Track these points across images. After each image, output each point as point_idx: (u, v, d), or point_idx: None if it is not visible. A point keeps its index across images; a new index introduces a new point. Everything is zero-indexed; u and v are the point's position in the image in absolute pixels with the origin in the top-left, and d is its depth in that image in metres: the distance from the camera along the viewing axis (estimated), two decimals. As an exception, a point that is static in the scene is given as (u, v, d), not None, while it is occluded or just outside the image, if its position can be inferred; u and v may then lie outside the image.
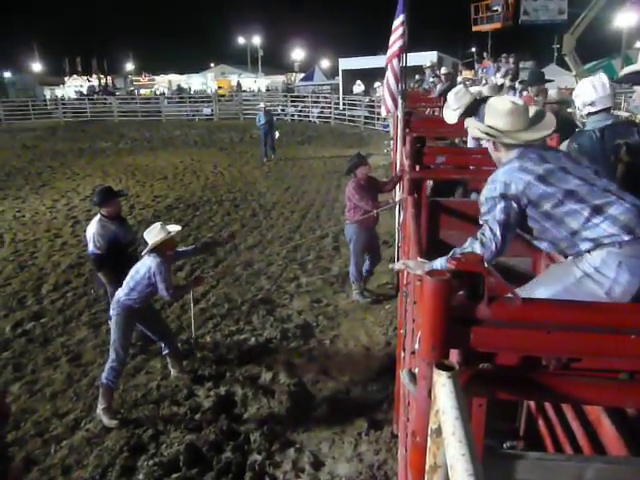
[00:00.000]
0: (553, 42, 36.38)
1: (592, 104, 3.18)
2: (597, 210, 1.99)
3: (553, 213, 2.05)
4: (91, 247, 4.83)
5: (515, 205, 2.08)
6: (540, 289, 2.11)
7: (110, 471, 3.65)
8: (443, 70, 12.28)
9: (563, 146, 3.34)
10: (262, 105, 16.53)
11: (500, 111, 2.28)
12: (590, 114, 3.22)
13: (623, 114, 3.58)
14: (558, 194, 2.03)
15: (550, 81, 7.32)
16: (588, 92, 3.19)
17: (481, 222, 2.17)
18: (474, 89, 5.33)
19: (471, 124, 2.45)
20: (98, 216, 4.88)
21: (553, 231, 2.08)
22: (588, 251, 2.02)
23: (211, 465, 3.67)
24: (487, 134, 2.29)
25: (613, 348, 1.33)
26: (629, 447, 1.73)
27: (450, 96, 4.59)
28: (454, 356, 1.47)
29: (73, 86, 46.79)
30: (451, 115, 4.58)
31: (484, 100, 3.89)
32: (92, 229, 4.81)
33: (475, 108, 4.43)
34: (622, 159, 3.07)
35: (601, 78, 3.24)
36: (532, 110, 2.32)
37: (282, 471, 3.64)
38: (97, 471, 3.65)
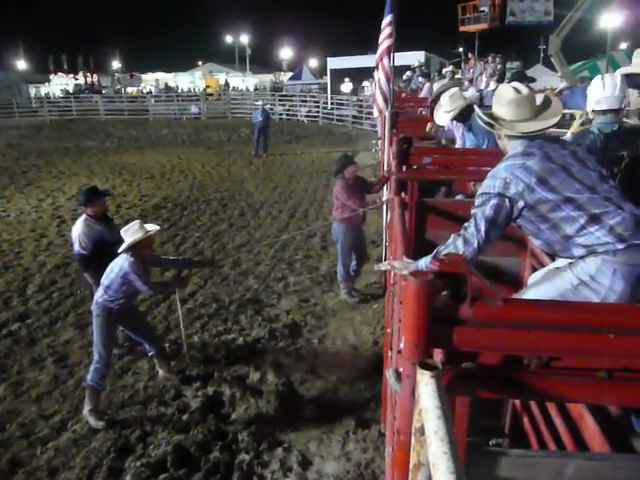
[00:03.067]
0: (539, 43, 36.89)
1: (598, 102, 3.00)
2: (594, 219, 1.97)
3: (549, 217, 2.03)
4: (76, 247, 4.79)
5: (508, 205, 2.05)
6: (538, 295, 2.11)
7: (97, 472, 3.63)
8: (449, 69, 12.34)
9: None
10: (260, 103, 17.47)
11: (503, 99, 2.24)
12: (595, 112, 3.03)
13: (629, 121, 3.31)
14: (557, 200, 2.01)
15: (533, 80, 7.37)
16: (596, 89, 3.01)
17: (471, 214, 2.13)
18: (468, 93, 5.35)
19: (477, 112, 2.39)
20: (84, 216, 4.83)
21: (547, 233, 2.08)
22: (582, 257, 2.02)
23: (199, 465, 3.67)
24: (487, 124, 2.26)
25: (592, 347, 1.36)
26: (611, 443, 1.77)
27: (444, 98, 4.59)
28: (437, 355, 1.49)
29: (59, 84, 46.32)
30: (443, 117, 4.59)
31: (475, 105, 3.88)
32: (77, 229, 4.77)
33: (468, 112, 4.45)
34: (622, 172, 2.84)
35: (615, 77, 3.03)
36: (539, 98, 2.26)
37: (270, 470, 3.64)
38: (84, 473, 3.63)
